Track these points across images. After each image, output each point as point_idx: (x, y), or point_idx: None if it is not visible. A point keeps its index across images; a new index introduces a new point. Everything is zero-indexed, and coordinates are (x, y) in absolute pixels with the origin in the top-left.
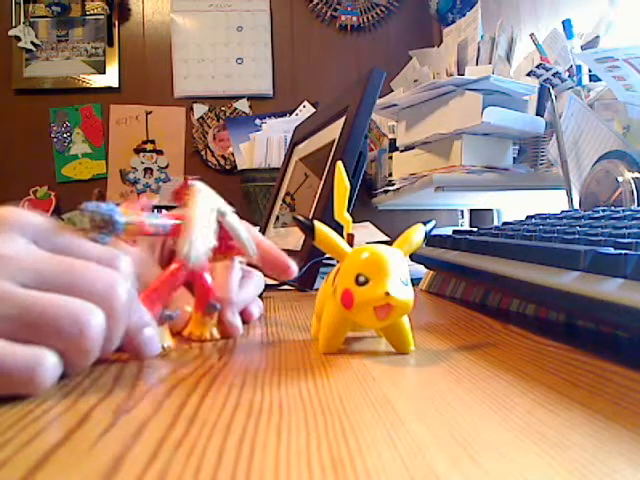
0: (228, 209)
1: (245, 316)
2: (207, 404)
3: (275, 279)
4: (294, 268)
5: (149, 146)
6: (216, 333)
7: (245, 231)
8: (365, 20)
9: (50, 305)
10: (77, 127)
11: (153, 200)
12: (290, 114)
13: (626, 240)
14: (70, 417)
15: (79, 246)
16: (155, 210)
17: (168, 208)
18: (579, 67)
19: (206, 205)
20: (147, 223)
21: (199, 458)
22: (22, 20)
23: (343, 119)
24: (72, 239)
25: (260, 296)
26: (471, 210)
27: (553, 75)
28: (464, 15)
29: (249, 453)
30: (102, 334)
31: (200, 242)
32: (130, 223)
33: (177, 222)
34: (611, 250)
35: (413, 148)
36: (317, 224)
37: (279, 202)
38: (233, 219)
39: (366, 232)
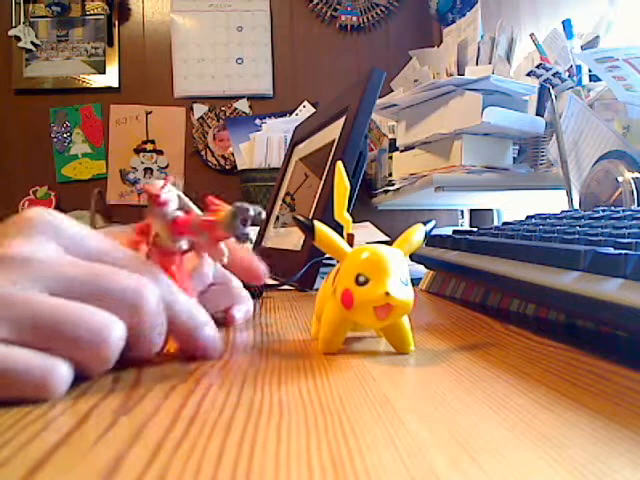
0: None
1: (227, 319)
2: (207, 404)
3: (246, 284)
4: (264, 272)
5: (149, 146)
6: None
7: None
8: (365, 20)
9: (71, 314)
10: (77, 127)
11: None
12: (290, 114)
13: (626, 240)
14: (70, 417)
15: (108, 252)
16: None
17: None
18: (579, 67)
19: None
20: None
21: (199, 458)
22: (22, 20)
23: (343, 119)
24: (101, 245)
25: (260, 296)
26: (471, 210)
27: (553, 75)
28: (464, 15)
29: (249, 453)
30: (121, 345)
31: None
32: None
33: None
34: (611, 250)
35: (413, 148)
36: (317, 224)
37: (279, 202)
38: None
39: (366, 232)
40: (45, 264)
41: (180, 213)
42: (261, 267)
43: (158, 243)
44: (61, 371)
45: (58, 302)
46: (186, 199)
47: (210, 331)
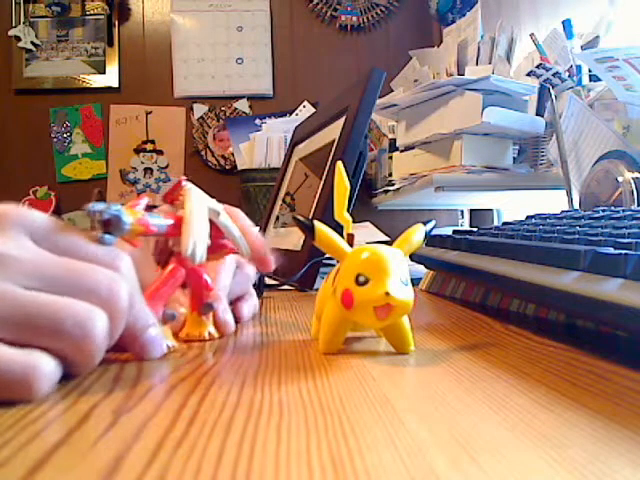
0: (220, 208)
1: (236, 313)
2: (207, 404)
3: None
4: (272, 263)
5: (149, 146)
6: (214, 331)
7: (237, 230)
8: (365, 20)
9: (53, 307)
10: (77, 127)
11: (152, 199)
12: (290, 114)
13: (626, 240)
14: (70, 417)
15: (80, 247)
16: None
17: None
18: (579, 67)
19: (201, 204)
20: (151, 223)
21: (199, 458)
22: (22, 20)
23: (343, 119)
24: (73, 239)
25: (259, 296)
26: (471, 210)
27: (553, 75)
28: (464, 15)
29: (249, 453)
30: (106, 337)
31: (201, 241)
32: (135, 223)
33: (173, 222)
34: (611, 250)
35: (413, 148)
36: (317, 224)
37: (279, 202)
38: (225, 218)
39: (366, 232)
40: (19, 260)
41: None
42: (270, 255)
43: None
44: (45, 368)
45: (37, 295)
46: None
47: (156, 332)
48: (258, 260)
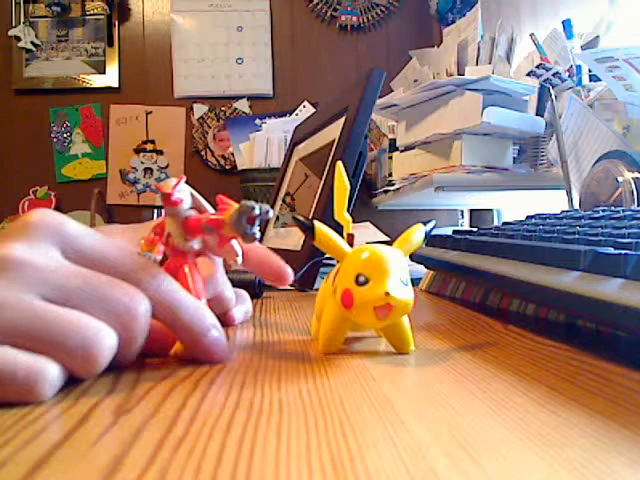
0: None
1: (227, 320)
2: (207, 404)
3: (272, 285)
4: (290, 274)
5: (149, 146)
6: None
7: None
8: (365, 20)
9: (62, 322)
10: (77, 127)
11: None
12: (290, 114)
13: (626, 240)
14: (70, 417)
15: (108, 259)
16: (155, 211)
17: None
18: (579, 67)
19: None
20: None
21: (199, 458)
22: (22, 20)
23: (343, 119)
24: (103, 251)
25: (259, 296)
26: (471, 210)
27: (553, 75)
28: (464, 15)
29: (249, 453)
30: (111, 355)
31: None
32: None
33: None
34: (611, 250)
35: (413, 148)
36: (317, 224)
37: (279, 202)
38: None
39: (366, 232)
40: (41, 270)
41: (193, 212)
42: (287, 268)
43: (171, 243)
44: (49, 373)
45: (50, 308)
46: (200, 198)
47: (215, 334)
48: (274, 273)
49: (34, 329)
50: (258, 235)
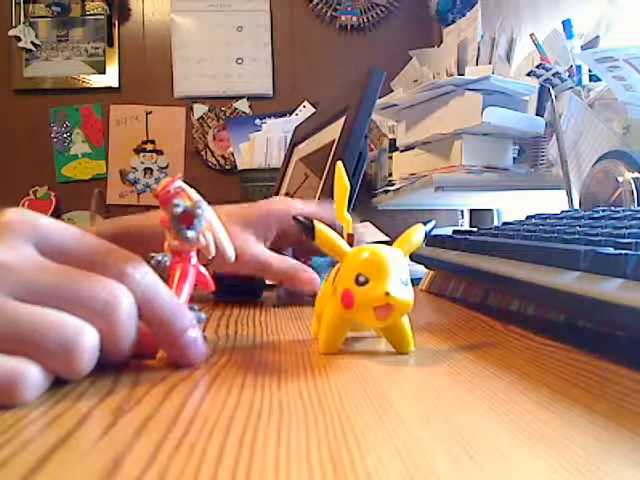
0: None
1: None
2: (207, 404)
3: (302, 294)
4: (317, 278)
5: (149, 146)
6: None
7: (223, 230)
8: (365, 20)
9: (39, 323)
10: (77, 127)
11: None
12: (290, 114)
13: (626, 240)
14: (70, 417)
15: (86, 254)
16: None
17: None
18: (579, 67)
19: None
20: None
21: (199, 458)
22: (22, 20)
23: (343, 119)
24: (83, 246)
25: (259, 296)
26: (471, 210)
27: (553, 75)
28: (464, 15)
29: (249, 453)
30: (94, 353)
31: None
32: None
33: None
34: (611, 250)
35: (413, 148)
36: (317, 224)
37: None
38: (211, 215)
39: (366, 232)
40: (13, 270)
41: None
42: (314, 275)
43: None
44: (30, 375)
45: (25, 308)
46: (199, 198)
47: (196, 333)
48: (300, 281)
49: (10, 331)
50: (192, 236)
